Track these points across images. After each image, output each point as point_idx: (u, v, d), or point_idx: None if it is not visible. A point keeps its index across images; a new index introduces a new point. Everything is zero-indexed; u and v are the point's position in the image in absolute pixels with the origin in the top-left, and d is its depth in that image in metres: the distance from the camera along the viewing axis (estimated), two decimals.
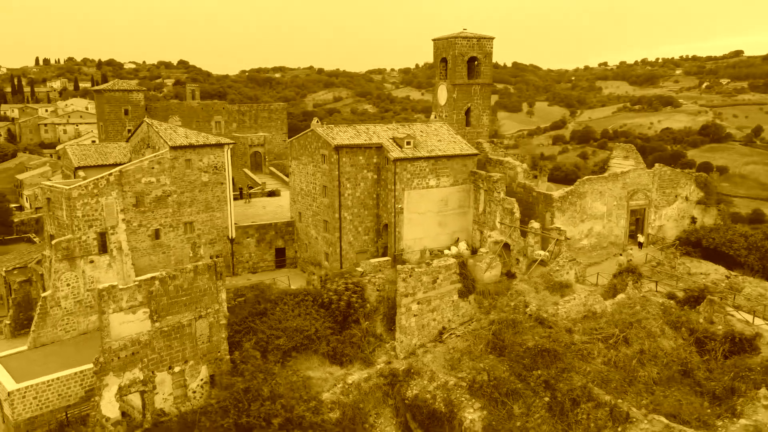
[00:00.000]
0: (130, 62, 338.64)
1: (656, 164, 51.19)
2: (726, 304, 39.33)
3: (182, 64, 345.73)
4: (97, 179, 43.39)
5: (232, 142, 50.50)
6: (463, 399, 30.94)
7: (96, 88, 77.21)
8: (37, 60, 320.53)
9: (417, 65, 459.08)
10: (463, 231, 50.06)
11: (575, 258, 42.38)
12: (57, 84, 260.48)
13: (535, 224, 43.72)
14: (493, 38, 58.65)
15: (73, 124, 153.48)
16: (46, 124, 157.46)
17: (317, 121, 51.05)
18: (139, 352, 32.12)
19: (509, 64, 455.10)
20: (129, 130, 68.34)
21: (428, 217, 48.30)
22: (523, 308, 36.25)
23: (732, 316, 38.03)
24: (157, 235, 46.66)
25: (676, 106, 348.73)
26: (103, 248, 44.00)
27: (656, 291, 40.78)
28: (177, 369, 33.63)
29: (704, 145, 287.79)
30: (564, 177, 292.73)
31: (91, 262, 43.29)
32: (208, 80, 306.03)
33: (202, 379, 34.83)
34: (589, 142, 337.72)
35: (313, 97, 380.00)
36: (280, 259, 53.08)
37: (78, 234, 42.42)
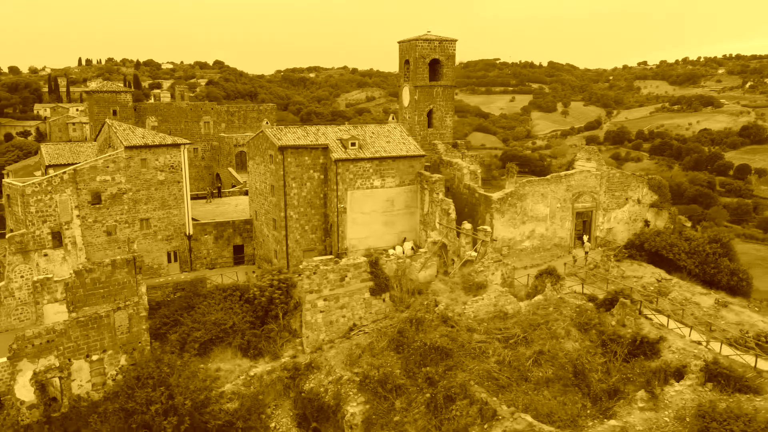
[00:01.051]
0: (167, 62, 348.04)
1: (604, 166, 51.02)
2: (648, 308, 39.43)
3: (218, 64, 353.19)
4: (51, 177, 45.99)
5: (188, 142, 52.58)
6: (350, 393, 32.05)
7: (86, 89, 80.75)
8: (79, 60, 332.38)
9: None
10: (411, 231, 50.92)
11: (502, 259, 42.83)
12: (94, 84, 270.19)
13: (467, 225, 44.30)
14: (455, 40, 59.22)
15: None
16: (74, 123, 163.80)
17: (266, 123, 52.48)
18: (55, 340, 34.25)
19: (545, 64, 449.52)
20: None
21: (373, 217, 49.33)
22: (432, 307, 37.04)
23: (650, 319, 38.03)
24: (112, 231, 49.01)
25: (717, 107, 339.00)
26: (59, 242, 46.57)
27: (582, 293, 40.90)
28: (95, 357, 35.65)
29: (744, 146, 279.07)
30: None
31: (45, 255, 45.88)
32: (240, 80, 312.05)
33: (121, 368, 36.79)
34: (623, 143, 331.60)
35: (346, 97, 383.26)
36: (239, 256, 54.92)
37: (32, 229, 45.06)
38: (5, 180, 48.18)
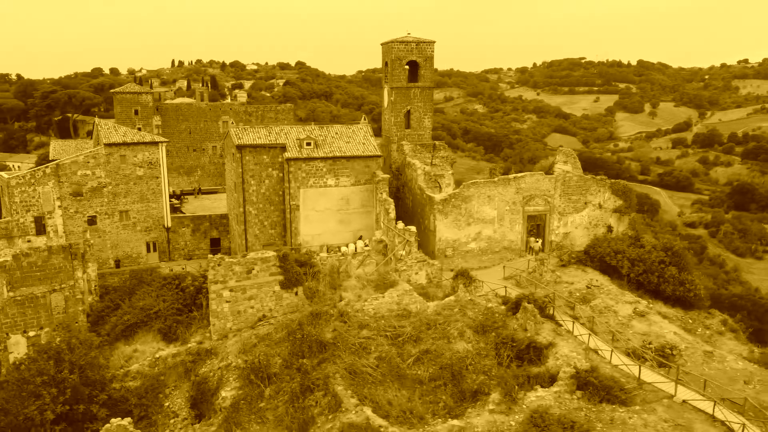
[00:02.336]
0: (252, 63, 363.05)
1: (559, 170, 50.08)
2: (568, 314, 38.99)
3: (299, 65, 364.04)
4: (35, 170, 51.02)
5: (166, 140, 56.41)
6: (230, 379, 34.05)
7: (113, 91, 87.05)
8: (172, 62, 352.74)
9: (534, 64, 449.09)
10: (368, 229, 52.18)
11: (427, 259, 43.32)
12: (181, 84, 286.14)
13: (400, 225, 45.09)
14: (433, 42, 59.71)
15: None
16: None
17: (231, 122, 55.19)
18: None
19: (633, 63, 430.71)
20: (139, 128, 76.72)
21: (327, 215, 51.04)
22: (336, 302, 38.33)
23: (560, 325, 37.55)
24: (93, 221, 53.55)
25: None
26: (42, 230, 51.52)
27: (498, 296, 40.76)
28: (32, 333, 39.71)
29: None
30: (675, 183, 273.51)
31: (29, 241, 50.88)
32: (316, 80, 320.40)
33: (33, 345, 40.50)
34: (713, 146, 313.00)
35: None
36: (216, 248, 58.19)
37: (16, 217, 50.16)
38: (2, 174, 53.82)
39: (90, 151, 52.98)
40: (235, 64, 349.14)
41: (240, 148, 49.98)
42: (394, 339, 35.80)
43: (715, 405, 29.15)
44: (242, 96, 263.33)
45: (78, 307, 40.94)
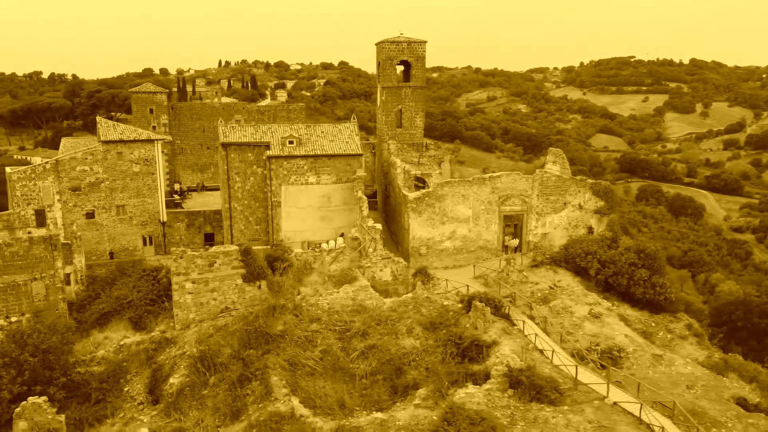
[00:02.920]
0: (296, 63, 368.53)
1: (537, 170, 49.76)
2: (527, 314, 39.10)
3: (342, 64, 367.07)
4: (35, 166, 53.87)
5: (162, 138, 58.55)
6: (182, 366, 35.47)
7: (130, 90, 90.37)
8: (219, 62, 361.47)
9: (581, 63, 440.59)
10: (349, 227, 52.99)
11: (392, 257, 43.79)
12: (237, 84, 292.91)
13: (370, 222, 45.71)
14: (425, 42, 60.06)
15: None
16: None
17: (220, 121, 56.82)
18: None
19: (686, 61, 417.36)
20: (153, 127, 79.71)
21: (309, 212, 52.18)
22: (294, 296, 39.34)
23: (514, 324, 37.67)
24: (91, 215, 56.17)
25: None
26: (42, 223, 54.27)
27: (458, 294, 40.97)
28: (14, 319, 42.07)
29: None
30: (723, 186, 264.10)
31: (29, 233, 53.70)
32: (357, 80, 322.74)
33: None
34: (767, 148, 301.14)
35: (467, 97, 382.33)
36: (210, 243, 60.07)
37: (17, 210, 53.03)
38: (7, 169, 56.99)
39: (88, 148, 55.61)
40: (280, 64, 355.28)
41: (225, 146, 51.61)
42: (343, 333, 36.56)
43: (641, 407, 28.83)
44: (282, 95, 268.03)
45: (58, 295, 43.23)
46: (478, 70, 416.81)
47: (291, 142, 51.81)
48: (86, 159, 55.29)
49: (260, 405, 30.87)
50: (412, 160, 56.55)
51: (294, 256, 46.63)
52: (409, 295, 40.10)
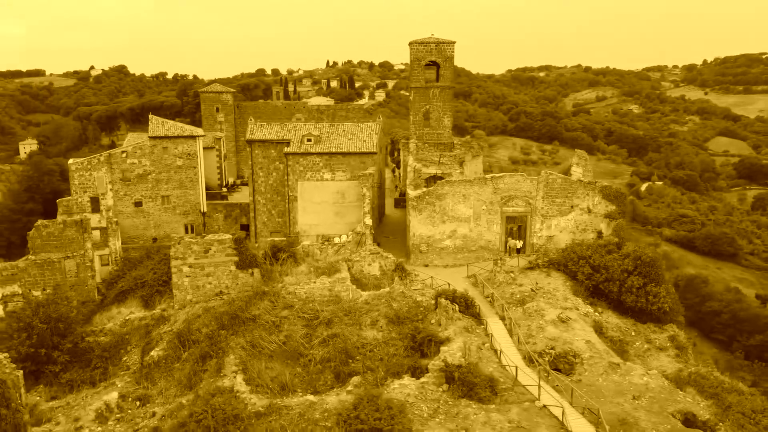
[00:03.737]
0: (401, 63, 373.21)
1: (543, 171, 49.01)
2: (499, 314, 39.43)
3: None
4: (90, 158, 60.21)
5: (203, 134, 63.20)
6: (164, 341, 39.07)
7: (199, 90, 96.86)
8: (327, 63, 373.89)
9: (705, 61, 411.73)
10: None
11: (380, 252, 45.11)
12: (335, 83, 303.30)
13: (366, 219, 47.33)
14: (453, 43, 60.51)
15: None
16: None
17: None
18: (18, 274, 47.10)
19: None
20: (220, 122, 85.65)
21: (324, 207, 54.60)
22: (277, 285, 41.87)
23: (482, 324, 38.13)
24: (139, 203, 61.92)
25: None
26: (96, 209, 60.65)
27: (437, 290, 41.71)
28: (49, 290, 47.74)
29: None
30: None
31: (85, 217, 60.16)
32: (457, 79, 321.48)
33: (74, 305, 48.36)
34: None
35: (575, 97, 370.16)
36: (246, 233, 64.07)
37: (75, 197, 59.63)
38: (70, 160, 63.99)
39: (137, 143, 61.31)
40: (384, 65, 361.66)
41: (250, 142, 55.13)
42: (310, 321, 38.59)
43: (563, 412, 28.69)
44: (380, 95, 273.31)
45: (87, 272, 48.53)
46: (588, 68, 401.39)
47: (309, 140, 54.42)
48: (135, 153, 61.00)
49: (211, 380, 33.63)
50: (432, 160, 57.38)
51: (301, 248, 49.18)
52: (386, 289, 41.38)
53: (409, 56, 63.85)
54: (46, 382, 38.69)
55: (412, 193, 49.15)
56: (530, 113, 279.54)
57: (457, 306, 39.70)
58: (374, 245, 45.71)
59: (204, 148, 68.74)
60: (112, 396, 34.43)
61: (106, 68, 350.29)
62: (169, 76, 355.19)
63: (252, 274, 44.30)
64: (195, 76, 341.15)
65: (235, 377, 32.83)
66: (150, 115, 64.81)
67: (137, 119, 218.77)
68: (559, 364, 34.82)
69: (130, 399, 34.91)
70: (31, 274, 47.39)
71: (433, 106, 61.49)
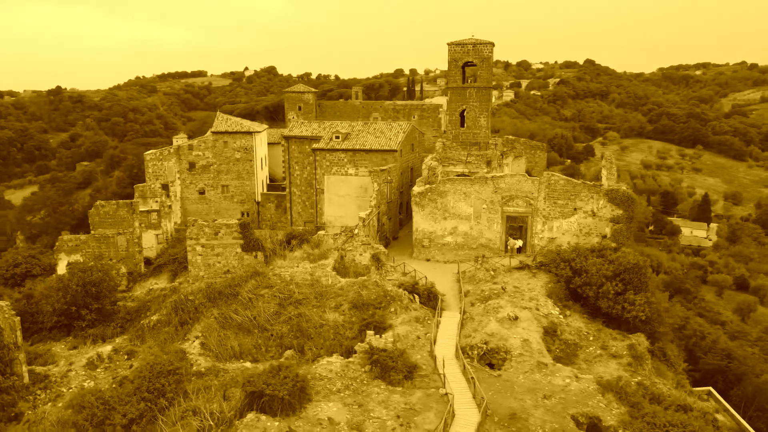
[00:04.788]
0: (539, 62, 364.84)
1: (545, 172, 48.48)
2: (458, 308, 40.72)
3: (588, 62, 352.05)
4: (161, 150, 68.45)
5: (259, 131, 69.06)
6: (164, 309, 44.74)
7: (284, 90, 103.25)
8: None
9: None
10: None
11: (371, 243, 47.52)
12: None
13: (362, 213, 49.92)
14: (491, 44, 60.83)
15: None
16: None
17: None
18: (80, 245, 55.57)
19: None
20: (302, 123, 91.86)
21: (348, 200, 57.88)
22: (268, 268, 46.02)
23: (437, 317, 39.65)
24: (203, 191, 69.34)
25: None
26: (166, 194, 68.91)
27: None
28: (104, 261, 55.80)
29: None
30: None
31: (157, 201, 68.68)
32: (596, 79, 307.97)
33: (122, 273, 56.17)
34: None
35: (735, 97, 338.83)
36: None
37: (149, 183, 68.27)
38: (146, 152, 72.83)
39: (201, 138, 68.58)
40: (521, 64, 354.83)
41: (287, 138, 59.91)
42: (284, 300, 42.25)
43: (452, 398, 29.96)
44: (509, 95, 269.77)
45: (135, 248, 56.01)
46: (753, 66, 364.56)
47: (337, 137, 58.01)
48: (200, 146, 68.36)
49: (177, 342, 38.53)
50: (460, 159, 58.49)
51: (316, 237, 53.00)
52: (364, 277, 43.92)
53: (447, 57, 65.04)
54: (74, 335, 45.91)
55: (415, 189, 51.01)
56: (673, 114, 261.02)
57: (417, 297, 41.48)
58: (368, 237, 48.31)
59: (271, 143, 75.02)
60: (106, 348, 40.48)
61: (258, 69, 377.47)
62: (313, 76, 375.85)
63: (255, 256, 48.87)
64: (337, 77, 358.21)
65: (192, 342, 37.41)
66: (218, 113, 72.02)
67: (271, 116, 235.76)
68: (492, 359, 35.47)
69: (121, 353, 40.79)
70: (90, 246, 55.68)
71: (470, 107, 62.21)
